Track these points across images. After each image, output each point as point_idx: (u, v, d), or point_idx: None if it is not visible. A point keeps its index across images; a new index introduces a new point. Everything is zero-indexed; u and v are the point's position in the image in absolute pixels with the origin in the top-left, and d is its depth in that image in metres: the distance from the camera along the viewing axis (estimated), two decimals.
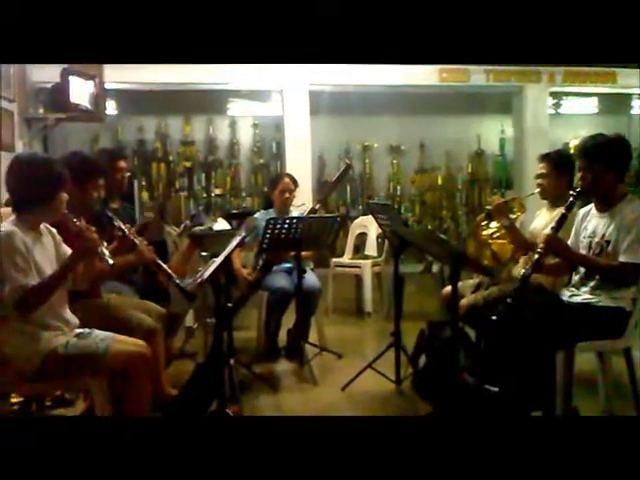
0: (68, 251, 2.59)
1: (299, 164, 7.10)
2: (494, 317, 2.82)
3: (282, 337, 4.35)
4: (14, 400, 2.90)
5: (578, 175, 2.93)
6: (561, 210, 2.94)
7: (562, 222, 2.88)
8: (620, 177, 2.87)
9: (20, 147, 5.71)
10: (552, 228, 2.87)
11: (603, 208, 2.91)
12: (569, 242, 3.01)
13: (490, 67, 7.73)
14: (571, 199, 2.90)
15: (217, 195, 8.61)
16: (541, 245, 2.83)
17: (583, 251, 2.94)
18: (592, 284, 2.87)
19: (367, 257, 5.79)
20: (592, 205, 2.99)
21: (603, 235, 2.85)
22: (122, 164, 3.71)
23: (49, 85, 5.85)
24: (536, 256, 2.82)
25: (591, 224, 2.95)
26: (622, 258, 2.75)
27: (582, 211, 3.05)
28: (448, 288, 3.36)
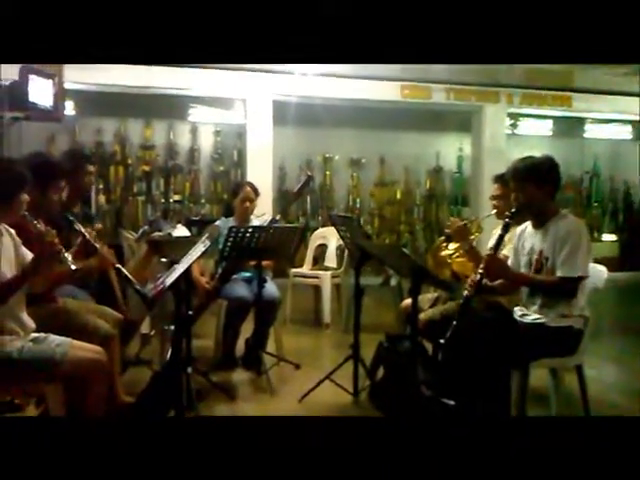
0: (27, 253, 2.53)
1: (260, 173, 7.09)
2: (442, 340, 2.87)
3: (240, 346, 4.32)
4: None
5: (512, 196, 3.02)
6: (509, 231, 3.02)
7: (500, 243, 2.99)
8: (551, 195, 2.98)
9: None
10: (490, 249, 2.95)
11: (538, 225, 3.01)
12: (509, 261, 3.09)
13: (451, 86, 7.91)
14: (506, 220, 3.00)
15: (175, 201, 8.52)
16: (481, 266, 2.90)
17: (524, 268, 3.03)
18: (539, 302, 2.94)
19: (326, 268, 5.81)
20: (528, 223, 3.09)
21: (541, 251, 2.94)
22: (91, 169, 3.66)
23: (7, 83, 5.71)
24: (477, 277, 2.88)
25: (528, 241, 3.04)
26: (559, 273, 2.85)
27: (519, 229, 3.14)
28: (407, 301, 3.41)
